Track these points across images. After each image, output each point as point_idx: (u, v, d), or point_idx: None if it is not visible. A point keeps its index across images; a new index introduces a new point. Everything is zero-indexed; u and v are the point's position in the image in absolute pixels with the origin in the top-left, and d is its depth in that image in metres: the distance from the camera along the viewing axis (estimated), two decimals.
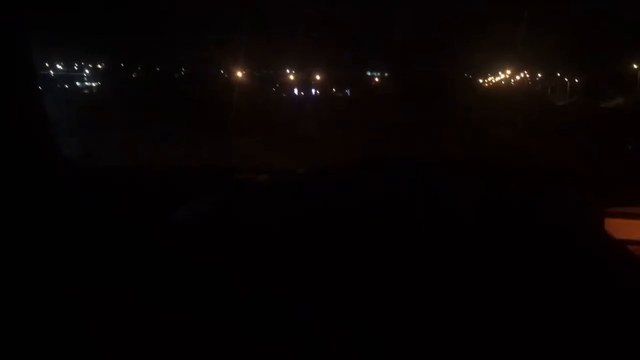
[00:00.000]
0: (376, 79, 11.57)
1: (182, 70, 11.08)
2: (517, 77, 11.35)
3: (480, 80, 11.62)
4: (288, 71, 11.19)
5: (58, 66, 9.90)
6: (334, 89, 11.45)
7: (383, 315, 0.83)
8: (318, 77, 11.02)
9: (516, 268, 0.87)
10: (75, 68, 10.79)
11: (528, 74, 11.39)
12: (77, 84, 10.71)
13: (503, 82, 11.40)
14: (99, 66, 10.90)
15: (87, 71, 10.92)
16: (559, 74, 11.23)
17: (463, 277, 0.86)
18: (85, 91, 10.64)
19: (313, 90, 11.19)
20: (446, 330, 0.80)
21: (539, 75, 11.63)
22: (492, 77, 11.71)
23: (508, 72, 11.13)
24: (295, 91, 11.30)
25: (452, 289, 0.84)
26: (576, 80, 10.84)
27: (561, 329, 0.78)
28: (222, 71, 10.44)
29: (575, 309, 0.80)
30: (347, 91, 11.31)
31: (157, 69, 11.17)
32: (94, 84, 10.94)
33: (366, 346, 0.81)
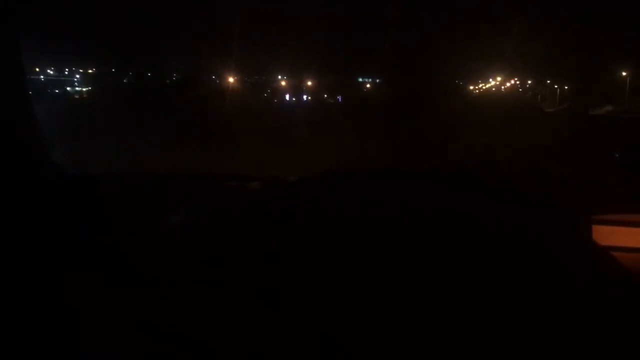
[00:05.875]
0: (367, 85, 11.60)
1: (174, 76, 11.09)
2: (508, 84, 11.43)
3: (471, 87, 11.69)
4: (280, 77, 11.22)
5: (49, 71, 9.89)
6: (325, 95, 11.47)
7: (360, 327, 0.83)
8: (309, 83, 11.04)
9: (501, 277, 0.87)
10: (66, 73, 10.77)
11: (518, 80, 11.48)
12: (68, 88, 10.69)
13: (494, 88, 11.47)
14: (90, 71, 10.89)
15: (77, 76, 10.90)
16: (549, 81, 11.33)
17: (448, 289, 0.86)
18: (76, 96, 10.61)
19: (305, 97, 11.20)
20: (424, 347, 0.81)
21: (529, 82, 11.72)
22: (483, 84, 11.79)
23: (499, 78, 11.21)
24: (287, 97, 11.31)
25: (436, 302, 0.84)
26: (566, 88, 10.94)
27: (547, 337, 0.78)
28: (213, 77, 10.46)
29: (560, 316, 0.80)
30: (339, 97, 11.32)
31: (149, 74, 11.16)
32: (84, 89, 10.92)
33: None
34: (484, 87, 11.73)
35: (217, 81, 10.40)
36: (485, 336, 0.80)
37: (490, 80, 11.44)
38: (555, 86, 11.22)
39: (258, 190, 1.46)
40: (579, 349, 0.78)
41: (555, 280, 0.88)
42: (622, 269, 0.96)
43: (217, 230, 1.06)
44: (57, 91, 9.95)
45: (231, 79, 9.89)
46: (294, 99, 11.27)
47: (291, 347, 0.82)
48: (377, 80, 11.27)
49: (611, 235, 1.30)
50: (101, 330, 0.92)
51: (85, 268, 1.20)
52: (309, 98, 11.18)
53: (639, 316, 0.82)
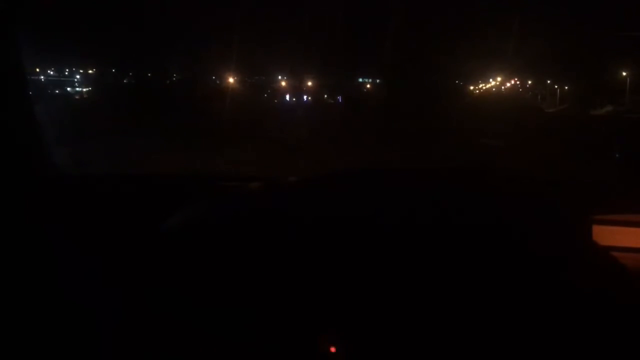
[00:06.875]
0: (367, 86, 11.58)
1: (174, 77, 11.08)
2: (508, 84, 11.42)
3: (472, 87, 11.67)
4: (280, 78, 11.21)
5: (49, 71, 9.89)
6: (325, 96, 11.47)
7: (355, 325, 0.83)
8: (310, 84, 11.03)
9: (501, 277, 0.87)
10: (66, 73, 10.77)
11: (519, 81, 11.46)
12: (68, 89, 10.69)
13: (494, 89, 11.46)
14: (90, 72, 10.89)
15: (77, 77, 10.90)
16: (549, 82, 11.31)
17: (450, 287, 0.86)
18: (76, 97, 10.61)
19: (305, 97, 11.19)
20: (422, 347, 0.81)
21: (529, 82, 11.71)
22: (483, 84, 11.78)
23: (499, 79, 11.20)
24: (287, 97, 11.30)
25: (437, 300, 0.84)
26: (566, 88, 10.93)
27: (547, 337, 0.79)
28: (213, 77, 10.45)
29: (560, 317, 0.80)
30: (339, 98, 11.31)
31: (149, 74, 11.15)
32: (84, 90, 10.92)
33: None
34: (484, 88, 11.72)
35: (217, 82, 10.39)
36: (485, 336, 0.80)
37: (491, 80, 11.42)
38: (556, 86, 11.21)
39: (258, 190, 1.45)
40: (579, 349, 0.78)
41: (555, 280, 0.88)
42: (622, 269, 0.96)
43: (217, 231, 1.06)
44: (57, 91, 9.95)
45: (231, 80, 9.89)
46: (294, 99, 11.26)
47: (293, 351, 0.82)
48: (377, 81, 11.25)
49: (611, 235, 1.30)
50: (100, 329, 0.92)
51: (84, 268, 1.20)
52: (309, 98, 11.17)
53: (638, 316, 0.82)
